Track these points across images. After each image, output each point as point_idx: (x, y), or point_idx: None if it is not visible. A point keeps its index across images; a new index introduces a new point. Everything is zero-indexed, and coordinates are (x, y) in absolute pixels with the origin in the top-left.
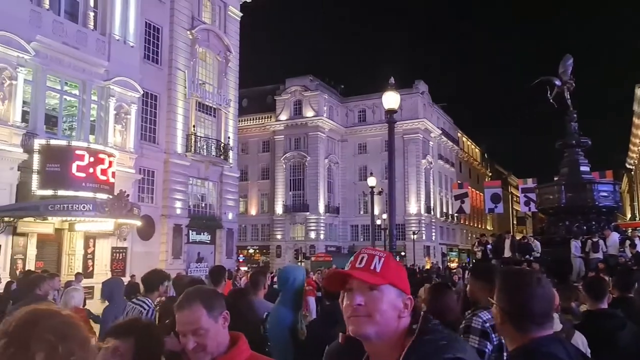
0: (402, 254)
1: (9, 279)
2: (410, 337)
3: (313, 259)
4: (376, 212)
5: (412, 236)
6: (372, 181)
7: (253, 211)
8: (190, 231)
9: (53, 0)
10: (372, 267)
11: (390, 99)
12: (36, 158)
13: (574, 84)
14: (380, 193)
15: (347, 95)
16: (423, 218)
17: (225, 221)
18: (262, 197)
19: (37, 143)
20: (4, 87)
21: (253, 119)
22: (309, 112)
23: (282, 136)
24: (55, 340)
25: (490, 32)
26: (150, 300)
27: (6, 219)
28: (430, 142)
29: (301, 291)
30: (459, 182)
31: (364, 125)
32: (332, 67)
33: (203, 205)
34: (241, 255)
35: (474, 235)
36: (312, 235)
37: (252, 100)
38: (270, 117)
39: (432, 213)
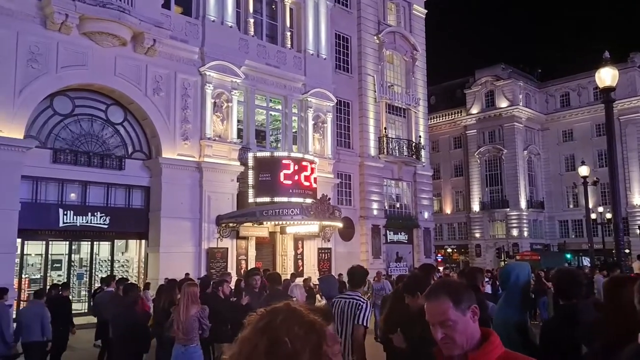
0: (627, 251)
1: (237, 278)
2: None
3: (518, 257)
4: (590, 204)
5: (638, 231)
6: (583, 170)
7: (448, 209)
8: (387, 231)
9: (256, 27)
10: None
11: (606, 76)
12: (251, 169)
13: None
14: (595, 183)
15: (545, 79)
16: None
17: (421, 220)
18: (457, 195)
19: (251, 156)
20: (222, 109)
21: (442, 116)
22: (502, 103)
23: (475, 130)
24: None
25: None
26: (360, 294)
27: (231, 224)
28: None
29: (527, 289)
30: None
31: (567, 110)
32: (525, 52)
33: (398, 205)
34: (439, 255)
35: None
36: (515, 232)
37: (440, 97)
38: (461, 112)
39: None
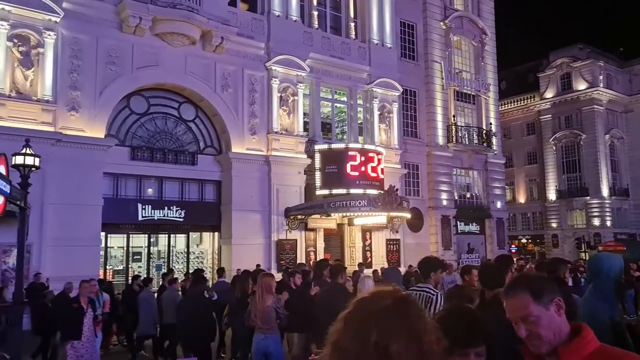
0: None
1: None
2: None
3: (601, 248)
4: None
5: None
6: None
7: (521, 199)
8: (458, 222)
9: (320, 19)
10: None
11: None
12: (317, 162)
13: None
14: None
15: (629, 58)
16: None
17: (493, 210)
18: (531, 183)
19: (317, 148)
20: (288, 102)
21: (514, 101)
22: (580, 85)
23: (549, 115)
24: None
25: None
26: (431, 286)
27: (299, 216)
28: None
29: (619, 281)
30: None
31: None
32: (606, 30)
33: (469, 195)
34: (513, 246)
35: None
36: (596, 222)
37: (511, 82)
38: (534, 97)
39: None
